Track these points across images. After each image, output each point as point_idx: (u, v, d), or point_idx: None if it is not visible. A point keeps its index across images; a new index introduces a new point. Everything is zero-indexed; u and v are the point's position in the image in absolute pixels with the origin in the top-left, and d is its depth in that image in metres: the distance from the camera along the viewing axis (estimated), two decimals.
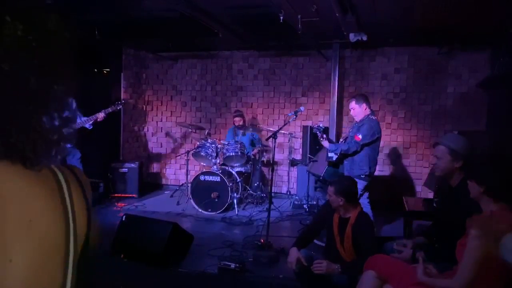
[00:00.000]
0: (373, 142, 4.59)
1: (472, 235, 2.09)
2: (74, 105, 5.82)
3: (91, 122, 5.72)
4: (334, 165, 4.90)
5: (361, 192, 4.50)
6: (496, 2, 4.39)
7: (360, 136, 4.50)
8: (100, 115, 5.74)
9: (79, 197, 0.77)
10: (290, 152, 7.44)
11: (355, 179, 4.38)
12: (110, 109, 5.88)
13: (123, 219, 4.15)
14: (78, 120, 5.68)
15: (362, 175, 4.55)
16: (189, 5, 4.70)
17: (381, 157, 7.03)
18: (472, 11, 4.63)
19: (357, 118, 4.65)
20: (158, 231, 3.83)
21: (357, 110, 4.60)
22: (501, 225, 2.10)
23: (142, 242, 3.83)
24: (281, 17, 4.65)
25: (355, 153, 4.57)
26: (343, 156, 4.70)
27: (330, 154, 4.76)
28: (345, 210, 3.29)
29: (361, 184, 4.44)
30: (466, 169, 2.76)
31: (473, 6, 4.46)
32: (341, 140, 4.51)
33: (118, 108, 6.17)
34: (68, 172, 0.79)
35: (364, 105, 4.59)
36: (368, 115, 4.60)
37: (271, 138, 4.64)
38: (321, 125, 4.88)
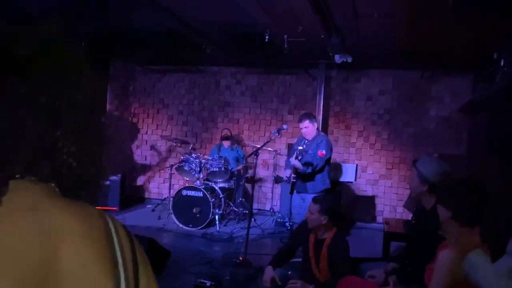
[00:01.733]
0: (330, 156, 4.76)
1: (440, 256, 2.10)
2: None
3: None
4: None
5: None
6: (478, 28, 4.51)
7: (324, 152, 4.59)
8: None
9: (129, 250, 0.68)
10: (274, 169, 7.46)
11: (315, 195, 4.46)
12: None
13: None
14: None
15: (324, 190, 4.61)
16: (177, 20, 4.74)
17: (364, 176, 7.11)
18: (454, 37, 4.75)
19: (309, 136, 4.75)
20: None
21: (310, 129, 4.71)
22: (467, 244, 2.12)
23: None
24: (267, 37, 4.71)
25: (322, 168, 4.62)
26: (302, 174, 4.68)
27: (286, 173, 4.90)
28: (323, 230, 3.28)
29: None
30: (437, 193, 2.79)
31: (455, 32, 4.58)
32: (292, 158, 4.49)
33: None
34: (117, 222, 0.71)
35: (315, 124, 4.78)
36: (319, 132, 4.82)
37: (253, 155, 4.64)
38: (285, 127, 4.98)
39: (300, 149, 4.37)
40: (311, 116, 4.83)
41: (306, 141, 4.76)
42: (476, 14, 3.16)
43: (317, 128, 4.84)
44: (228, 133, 6.92)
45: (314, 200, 3.39)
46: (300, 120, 4.76)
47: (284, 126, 4.85)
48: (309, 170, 4.56)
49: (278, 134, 4.76)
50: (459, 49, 5.26)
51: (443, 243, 2.31)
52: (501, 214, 2.65)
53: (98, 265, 0.60)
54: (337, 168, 6.38)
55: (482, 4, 3.02)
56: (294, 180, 4.73)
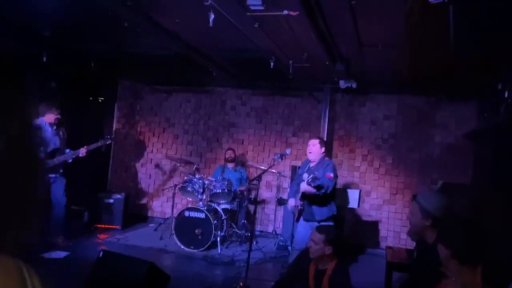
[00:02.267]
0: (336, 182, 4.73)
1: None
2: (64, 135, 5.88)
3: (73, 157, 5.65)
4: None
5: None
6: (482, 60, 4.54)
7: (331, 174, 4.54)
8: (82, 151, 5.63)
9: None
10: (278, 191, 7.44)
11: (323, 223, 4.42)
12: (94, 145, 5.82)
13: (100, 255, 4.08)
14: (66, 151, 5.70)
15: (331, 216, 4.57)
16: (184, 45, 4.82)
17: (368, 201, 7.07)
18: (458, 66, 4.78)
19: (313, 157, 4.71)
20: (134, 271, 3.77)
21: (317, 148, 4.69)
22: (467, 284, 2.09)
23: (116, 283, 3.76)
24: (272, 63, 4.77)
25: (331, 193, 4.58)
26: (309, 200, 4.64)
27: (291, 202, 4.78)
28: (325, 260, 3.26)
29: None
30: (438, 229, 2.77)
31: (459, 62, 4.60)
32: (303, 184, 4.45)
33: (108, 142, 6.15)
34: (31, 271, 0.69)
35: (323, 148, 4.75)
36: (324, 157, 4.77)
37: (256, 180, 4.65)
38: (288, 151, 4.96)
39: (313, 177, 4.25)
40: (322, 140, 4.89)
41: (311, 166, 4.73)
42: (478, 48, 3.19)
43: (323, 153, 4.78)
44: (232, 155, 6.94)
45: (319, 229, 3.38)
46: (312, 137, 4.84)
47: (287, 151, 4.87)
48: (321, 191, 4.44)
49: (281, 159, 4.77)
50: (463, 78, 5.28)
51: (443, 282, 2.29)
52: (503, 254, 2.62)
53: None
54: (340, 194, 6.35)
55: (484, 39, 3.05)
56: (302, 208, 4.69)
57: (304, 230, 4.70)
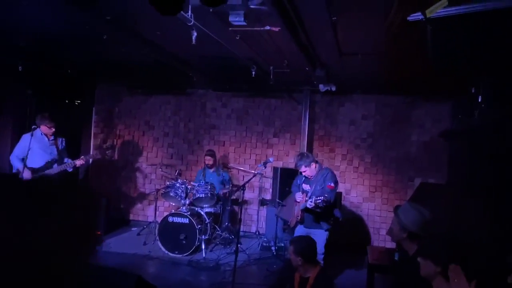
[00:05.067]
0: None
1: None
2: (64, 145, 5.80)
3: (72, 166, 5.62)
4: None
5: (325, 243, 4.58)
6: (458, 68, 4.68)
7: (332, 184, 4.57)
8: (80, 161, 5.64)
9: None
10: (260, 192, 7.52)
11: (326, 232, 4.49)
12: (91, 156, 5.80)
13: None
14: (65, 161, 5.64)
15: (329, 226, 4.64)
16: (163, 53, 4.78)
17: (348, 199, 7.24)
18: (434, 72, 4.91)
19: (311, 175, 4.69)
20: (120, 286, 3.77)
21: (309, 171, 4.65)
22: None
23: None
24: (253, 71, 4.79)
25: (334, 203, 4.62)
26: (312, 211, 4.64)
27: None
28: (304, 269, 3.36)
29: (325, 236, 4.55)
30: (419, 244, 2.89)
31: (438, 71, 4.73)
32: (307, 198, 4.46)
33: (107, 152, 6.13)
34: None
35: (313, 164, 4.67)
36: (321, 167, 4.76)
37: (240, 190, 4.69)
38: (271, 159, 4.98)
39: (321, 200, 4.19)
40: (304, 159, 4.65)
41: (310, 179, 4.72)
42: (453, 63, 3.31)
43: (316, 165, 4.71)
44: (211, 162, 6.89)
45: (290, 241, 3.49)
46: (296, 166, 4.70)
47: (270, 159, 4.93)
48: (324, 204, 4.39)
49: (265, 167, 4.83)
50: (439, 81, 5.44)
51: None
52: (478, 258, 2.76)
53: None
54: None
55: (460, 56, 3.17)
56: (300, 218, 4.70)
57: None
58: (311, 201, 4.31)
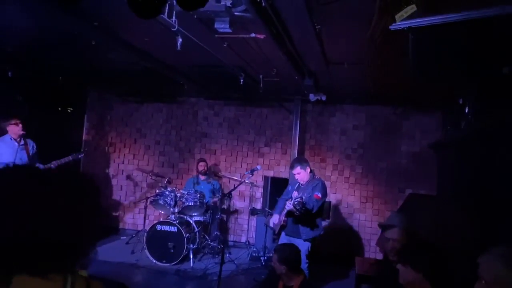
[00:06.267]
0: (324, 202, 4.70)
1: None
2: (35, 149, 5.71)
3: None
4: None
5: (307, 254, 4.54)
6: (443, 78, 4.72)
7: (319, 195, 4.54)
8: (53, 166, 5.51)
9: None
10: (251, 201, 7.49)
11: (307, 243, 4.46)
12: (65, 160, 5.69)
13: None
14: (37, 166, 5.53)
15: (317, 236, 4.61)
16: (154, 61, 4.80)
17: (338, 210, 7.22)
18: (420, 83, 4.95)
19: (303, 181, 4.70)
20: None
21: (303, 174, 4.66)
22: None
23: None
24: (242, 79, 4.81)
25: (316, 213, 4.59)
26: (295, 218, 4.62)
27: (273, 219, 4.74)
28: (288, 278, 3.34)
29: (308, 246, 4.51)
30: (401, 252, 2.87)
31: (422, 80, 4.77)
32: (289, 204, 4.45)
33: (79, 157, 6.05)
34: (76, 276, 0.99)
35: (308, 168, 4.70)
36: (313, 176, 4.73)
37: (227, 196, 4.67)
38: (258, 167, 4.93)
39: (299, 201, 4.22)
40: (302, 161, 4.75)
41: (301, 185, 4.73)
42: (435, 74, 3.33)
43: (311, 172, 4.74)
44: (205, 168, 6.90)
45: (275, 249, 3.46)
46: (292, 167, 4.70)
47: (258, 167, 4.93)
48: (301, 207, 4.35)
49: (251, 174, 4.82)
50: (427, 92, 5.48)
51: None
52: (463, 272, 2.75)
53: None
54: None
55: (442, 66, 3.19)
56: (285, 224, 4.68)
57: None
58: (289, 203, 4.33)
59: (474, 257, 3.15)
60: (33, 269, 0.93)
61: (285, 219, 4.64)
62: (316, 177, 4.81)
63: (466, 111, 4.63)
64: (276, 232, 4.91)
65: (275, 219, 4.72)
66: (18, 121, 5.42)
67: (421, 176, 6.77)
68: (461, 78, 3.66)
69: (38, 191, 0.95)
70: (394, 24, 2.86)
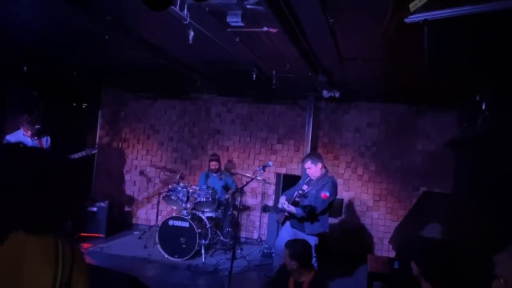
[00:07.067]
0: (334, 200, 4.65)
1: None
2: (49, 143, 5.81)
3: None
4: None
5: (314, 249, 4.50)
6: (460, 73, 4.63)
7: (327, 194, 4.49)
8: None
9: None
10: (263, 198, 7.48)
11: (312, 237, 4.43)
12: (78, 155, 5.78)
13: None
14: None
15: (322, 232, 4.58)
16: (167, 57, 4.82)
17: (351, 208, 7.15)
18: (436, 79, 4.86)
19: (313, 176, 4.65)
20: (115, 286, 3.75)
21: (313, 169, 4.61)
22: None
23: None
24: (254, 75, 4.80)
25: (324, 211, 4.56)
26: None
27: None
28: (299, 274, 3.31)
29: (314, 241, 4.47)
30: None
31: (438, 76, 4.68)
32: (296, 195, 4.45)
33: (92, 152, 6.12)
34: (63, 242, 1.21)
35: (319, 164, 4.63)
36: (325, 172, 4.67)
37: (239, 191, 4.67)
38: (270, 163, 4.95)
39: (299, 193, 4.22)
40: (313, 157, 4.69)
41: (312, 180, 4.68)
42: (451, 69, 3.26)
43: (322, 168, 4.67)
44: (217, 166, 6.89)
45: (286, 244, 3.43)
46: (303, 161, 4.68)
47: (270, 163, 4.89)
48: (305, 214, 4.38)
49: (263, 170, 4.79)
50: (443, 89, 5.38)
51: None
52: (475, 271, 2.69)
53: (46, 265, 1.15)
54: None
55: (458, 59, 3.12)
56: (288, 214, 4.66)
57: (287, 236, 4.56)
58: (285, 203, 4.41)
59: (490, 256, 3.09)
60: (30, 227, 1.13)
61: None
62: (329, 174, 4.74)
63: (483, 107, 4.53)
64: (280, 222, 4.90)
65: (283, 200, 4.66)
66: (31, 124, 5.52)
67: (436, 174, 6.66)
68: (479, 73, 3.57)
69: (38, 166, 1.19)
70: (409, 16, 2.80)
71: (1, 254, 1.09)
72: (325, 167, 4.74)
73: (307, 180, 4.74)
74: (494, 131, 3.95)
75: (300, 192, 4.50)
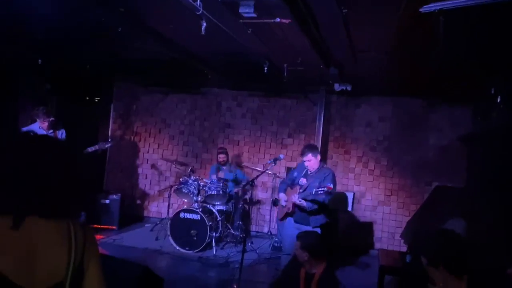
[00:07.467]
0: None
1: None
2: (63, 136, 5.89)
3: None
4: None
5: None
6: (475, 65, 4.56)
7: (331, 186, 4.47)
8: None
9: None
10: (273, 192, 7.47)
11: (317, 229, 4.43)
12: (94, 148, 5.86)
13: None
14: None
15: (325, 223, 4.57)
16: (180, 50, 4.83)
17: (363, 202, 7.12)
18: (450, 72, 4.80)
19: (312, 168, 4.62)
20: (127, 275, 3.79)
21: (313, 162, 4.57)
22: None
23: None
24: (266, 68, 4.79)
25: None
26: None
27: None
28: (310, 265, 3.31)
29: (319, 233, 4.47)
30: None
31: (451, 69, 4.63)
32: (300, 191, 4.44)
33: (107, 146, 6.20)
34: (77, 225, 1.26)
35: (319, 156, 4.62)
36: (323, 165, 4.66)
37: (249, 185, 4.66)
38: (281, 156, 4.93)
39: (301, 189, 4.21)
40: (313, 149, 4.67)
41: (309, 172, 4.66)
42: (466, 56, 3.21)
43: (320, 160, 4.68)
44: (225, 159, 6.91)
45: (297, 236, 3.43)
46: (303, 153, 4.62)
47: (281, 156, 4.88)
48: (315, 207, 4.40)
49: (274, 163, 4.79)
50: (457, 83, 5.30)
51: None
52: (489, 262, 2.66)
53: (60, 248, 1.19)
54: (333, 196, 6.37)
55: (473, 49, 3.08)
56: (292, 211, 4.64)
57: (294, 233, 4.59)
58: (299, 199, 4.34)
59: (503, 251, 3.06)
60: (44, 211, 1.18)
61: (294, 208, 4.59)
62: (325, 166, 4.75)
63: (498, 100, 4.46)
64: (280, 218, 4.89)
65: (283, 197, 4.67)
66: (47, 116, 5.56)
67: (449, 169, 6.58)
68: (495, 65, 3.52)
69: (55, 154, 1.25)
70: (424, 6, 2.77)
71: (17, 237, 1.14)
72: (321, 159, 4.74)
73: (304, 172, 4.68)
74: (509, 125, 3.89)
75: (302, 185, 4.49)
